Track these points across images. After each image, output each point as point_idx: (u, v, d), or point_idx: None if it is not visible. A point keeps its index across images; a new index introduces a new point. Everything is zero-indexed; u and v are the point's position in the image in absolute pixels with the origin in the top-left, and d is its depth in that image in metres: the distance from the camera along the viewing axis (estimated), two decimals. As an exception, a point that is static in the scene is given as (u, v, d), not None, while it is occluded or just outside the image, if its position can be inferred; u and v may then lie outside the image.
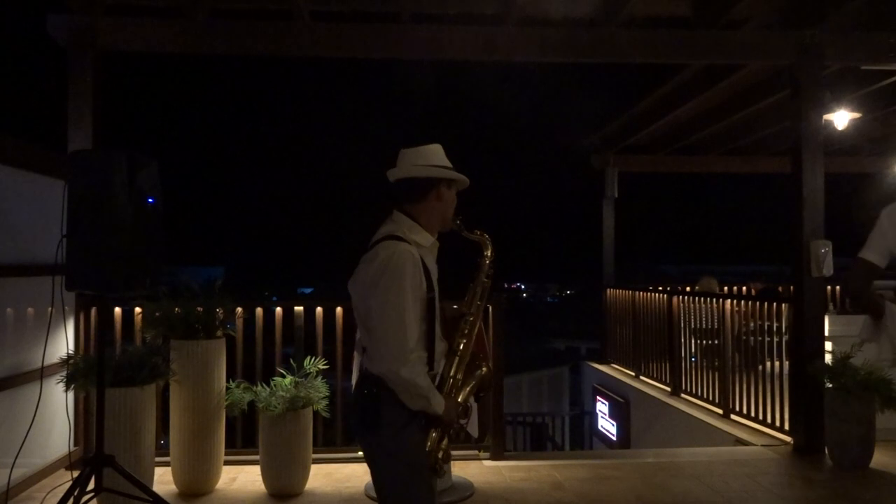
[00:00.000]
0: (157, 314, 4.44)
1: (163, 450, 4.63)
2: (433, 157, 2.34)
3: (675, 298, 7.77)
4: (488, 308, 5.01)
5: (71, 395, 4.24)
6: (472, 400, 2.39)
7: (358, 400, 2.27)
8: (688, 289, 8.95)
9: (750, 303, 6.70)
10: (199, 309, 4.45)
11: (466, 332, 2.37)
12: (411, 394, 2.16)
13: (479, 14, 5.50)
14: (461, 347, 2.35)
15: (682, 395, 7.49)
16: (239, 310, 4.91)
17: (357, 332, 2.45)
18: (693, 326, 7.46)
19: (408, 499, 2.24)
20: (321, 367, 4.57)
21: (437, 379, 2.31)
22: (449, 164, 2.37)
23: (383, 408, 2.19)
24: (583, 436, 11.51)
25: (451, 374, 2.33)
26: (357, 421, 2.28)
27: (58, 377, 4.22)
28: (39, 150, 4.53)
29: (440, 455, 2.28)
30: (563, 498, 4.39)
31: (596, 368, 10.32)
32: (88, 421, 4.82)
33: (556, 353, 26.36)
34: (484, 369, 2.43)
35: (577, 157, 10.74)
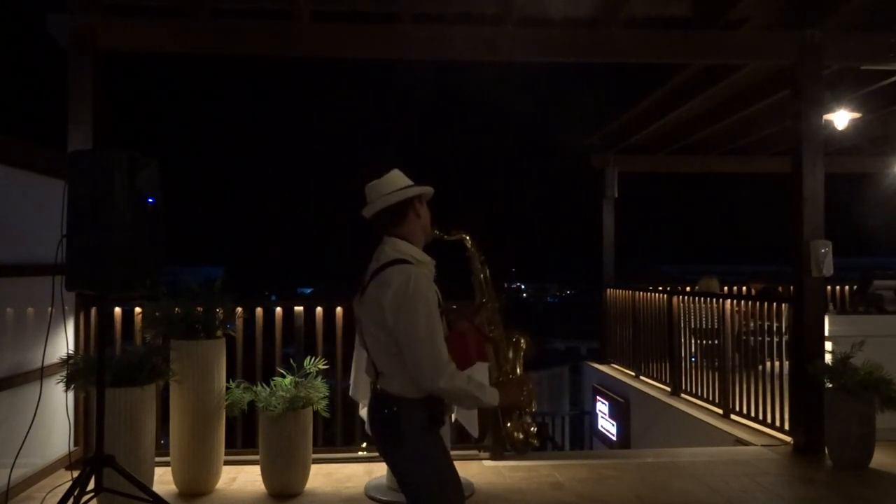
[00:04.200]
0: (157, 314, 4.44)
1: (163, 450, 4.63)
2: (398, 181, 2.46)
3: (675, 298, 7.77)
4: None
5: (71, 395, 4.24)
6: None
7: (378, 420, 2.37)
8: (688, 289, 8.96)
9: (750, 303, 6.70)
10: (199, 309, 4.45)
11: (491, 316, 2.59)
12: (461, 398, 2.30)
13: (479, 14, 5.49)
14: (493, 334, 2.57)
15: (682, 395, 7.49)
16: (239, 310, 4.91)
17: (357, 345, 2.54)
18: (693, 326, 7.46)
19: (442, 501, 2.34)
20: (321, 367, 4.57)
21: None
22: (412, 183, 2.49)
23: (403, 422, 2.29)
24: (583, 436, 11.51)
25: (499, 359, 2.55)
26: (381, 440, 2.40)
27: (58, 377, 4.22)
28: (39, 150, 4.53)
29: (523, 433, 2.50)
30: (563, 498, 4.39)
31: (596, 368, 10.32)
32: (88, 421, 4.82)
33: (556, 353, 26.33)
34: (522, 343, 2.61)
35: (577, 157, 10.74)
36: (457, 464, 4.65)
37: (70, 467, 4.49)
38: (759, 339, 6.23)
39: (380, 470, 4.60)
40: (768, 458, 5.31)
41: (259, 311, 5.24)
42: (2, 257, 4.09)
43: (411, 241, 2.42)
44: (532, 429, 2.53)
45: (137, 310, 4.86)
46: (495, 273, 2.70)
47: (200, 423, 4.36)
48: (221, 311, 4.54)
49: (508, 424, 2.50)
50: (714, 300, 7.11)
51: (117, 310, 5.11)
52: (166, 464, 4.48)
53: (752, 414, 6.06)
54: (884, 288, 7.40)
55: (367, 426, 2.73)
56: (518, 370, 2.59)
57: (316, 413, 4.51)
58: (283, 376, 4.47)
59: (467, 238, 2.68)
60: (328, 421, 4.86)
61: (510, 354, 2.59)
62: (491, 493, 4.43)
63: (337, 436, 5.38)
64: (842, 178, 10.12)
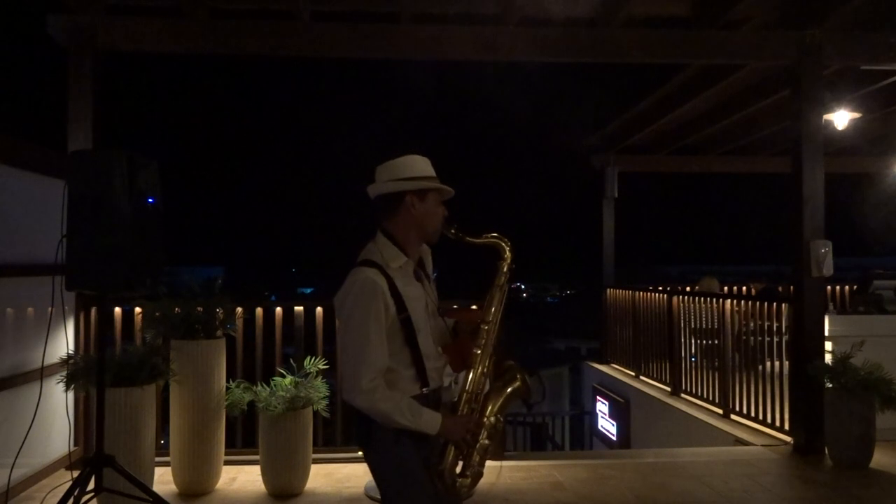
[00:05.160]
0: (157, 314, 4.44)
1: (163, 450, 4.63)
2: (402, 169, 2.28)
3: (675, 298, 7.76)
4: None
5: (71, 395, 4.24)
6: (496, 417, 2.30)
7: (353, 416, 2.29)
8: (688, 289, 8.96)
9: (750, 303, 6.70)
10: (199, 309, 4.45)
11: (483, 342, 2.32)
12: (380, 419, 2.15)
13: (479, 14, 5.49)
14: (477, 360, 2.31)
15: (682, 395, 7.49)
16: (239, 310, 4.91)
17: None
18: (693, 326, 7.46)
19: None
20: (321, 367, 4.58)
21: (455, 392, 2.31)
22: (425, 174, 2.29)
23: (373, 424, 2.19)
24: (583, 436, 11.50)
25: (467, 388, 2.30)
26: (356, 436, 2.32)
27: (58, 377, 4.22)
28: (39, 150, 4.53)
29: (456, 472, 2.25)
30: (563, 498, 4.39)
31: (596, 368, 10.32)
32: (88, 421, 4.82)
33: (556, 353, 26.33)
34: (517, 383, 2.34)
35: (577, 157, 10.75)
36: (457, 464, 4.55)
37: (70, 467, 4.49)
38: (759, 339, 6.22)
39: (380, 470, 4.60)
40: (768, 458, 5.32)
41: (259, 311, 5.23)
42: (2, 257, 4.09)
43: (399, 237, 2.27)
44: (468, 473, 2.25)
45: (137, 310, 4.86)
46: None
47: (200, 423, 4.36)
48: (221, 311, 4.54)
49: (447, 460, 2.24)
50: (714, 300, 7.10)
51: (117, 310, 5.10)
52: (166, 464, 4.48)
53: (752, 414, 6.05)
54: (884, 288, 7.39)
55: None
56: (493, 407, 2.29)
57: (316, 413, 4.51)
58: (283, 376, 4.47)
59: (507, 246, 2.37)
60: (328, 421, 4.85)
61: (490, 386, 2.32)
62: (491, 493, 4.43)
63: (337, 436, 5.38)
64: (842, 178, 10.12)
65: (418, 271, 2.35)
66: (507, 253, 2.37)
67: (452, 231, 2.34)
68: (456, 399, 2.30)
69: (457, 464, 2.26)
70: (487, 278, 2.41)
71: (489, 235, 2.38)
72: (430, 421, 2.18)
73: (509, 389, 2.33)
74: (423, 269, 2.38)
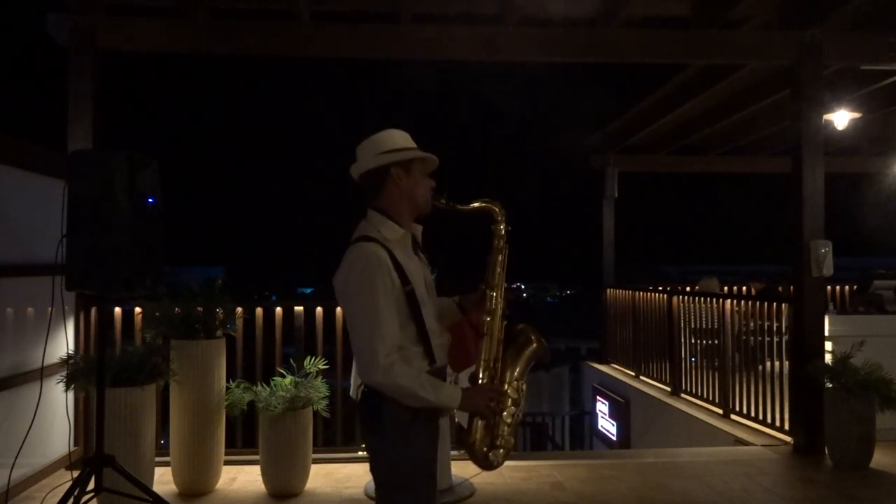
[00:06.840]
0: (157, 314, 4.44)
1: (163, 450, 4.63)
2: (383, 143, 2.21)
3: (675, 298, 7.77)
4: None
5: (71, 395, 4.24)
6: (518, 383, 2.25)
7: (360, 400, 2.21)
8: (688, 289, 8.96)
9: (750, 303, 6.70)
10: (199, 309, 4.45)
11: (492, 308, 2.26)
12: (403, 397, 2.06)
13: (479, 14, 5.50)
14: (490, 327, 2.24)
15: (682, 395, 7.49)
16: (239, 310, 4.91)
17: None
18: (693, 326, 7.46)
19: (406, 502, 2.16)
20: (321, 367, 4.57)
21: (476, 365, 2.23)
22: (405, 146, 2.22)
23: (384, 409, 2.09)
24: (583, 436, 11.50)
25: (485, 357, 2.23)
26: (361, 422, 2.23)
27: (58, 377, 4.22)
28: (39, 150, 4.53)
29: (491, 441, 2.22)
30: (563, 498, 4.39)
31: (596, 368, 10.32)
32: (88, 421, 4.82)
33: (556, 353, 26.30)
34: (534, 344, 2.29)
35: (577, 157, 10.75)
36: (457, 464, 4.59)
37: (70, 467, 4.49)
38: (759, 339, 6.22)
39: (380, 470, 4.60)
40: (768, 458, 5.32)
41: (259, 311, 5.24)
42: (2, 257, 4.09)
43: (392, 213, 2.19)
44: (499, 444, 2.22)
45: (137, 310, 4.86)
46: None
47: (200, 423, 4.36)
48: (221, 311, 4.54)
49: (476, 433, 2.21)
50: (714, 300, 7.10)
51: (117, 310, 5.11)
52: (166, 464, 4.48)
53: (752, 414, 6.05)
54: (884, 288, 7.39)
55: None
56: (512, 373, 2.24)
57: (316, 413, 4.51)
58: (283, 376, 4.47)
59: (496, 207, 2.30)
60: (328, 421, 4.86)
61: (505, 353, 2.25)
62: (491, 493, 4.43)
63: (337, 436, 5.38)
64: (842, 178, 10.12)
65: (415, 246, 2.28)
66: (500, 215, 2.31)
67: (442, 201, 2.28)
68: (474, 369, 2.24)
69: (487, 436, 2.22)
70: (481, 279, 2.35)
71: (479, 200, 2.32)
72: (450, 394, 2.12)
73: (526, 352, 2.28)
74: (417, 245, 2.30)
